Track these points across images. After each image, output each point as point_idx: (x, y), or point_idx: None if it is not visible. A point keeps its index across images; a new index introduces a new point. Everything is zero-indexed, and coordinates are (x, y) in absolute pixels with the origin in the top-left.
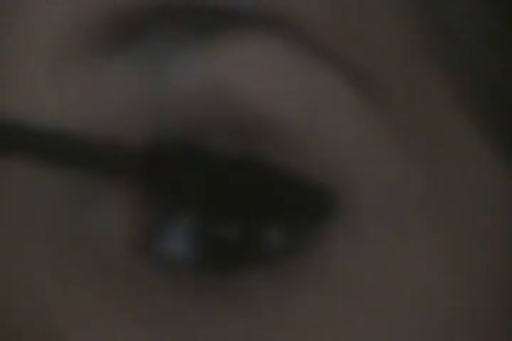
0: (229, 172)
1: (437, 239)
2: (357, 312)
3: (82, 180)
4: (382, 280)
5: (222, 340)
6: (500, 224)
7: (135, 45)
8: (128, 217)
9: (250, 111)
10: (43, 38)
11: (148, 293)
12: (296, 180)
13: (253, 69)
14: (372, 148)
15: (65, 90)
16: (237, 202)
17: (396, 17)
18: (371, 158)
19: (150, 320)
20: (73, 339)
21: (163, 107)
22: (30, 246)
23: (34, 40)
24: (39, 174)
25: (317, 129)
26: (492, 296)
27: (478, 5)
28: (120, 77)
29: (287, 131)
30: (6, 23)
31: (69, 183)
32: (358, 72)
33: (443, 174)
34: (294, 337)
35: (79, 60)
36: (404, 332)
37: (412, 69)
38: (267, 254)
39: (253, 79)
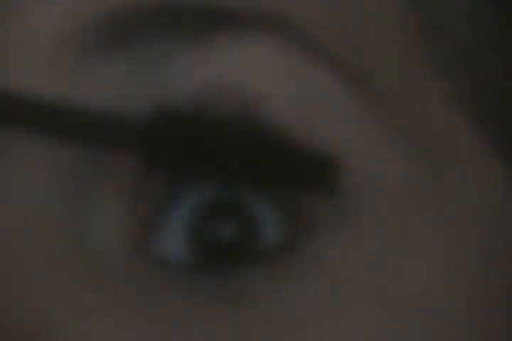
0: (228, 142)
1: (437, 239)
2: (357, 312)
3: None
4: (383, 280)
5: (221, 340)
6: (500, 224)
7: (134, 45)
8: (126, 218)
9: (249, 112)
10: (43, 37)
11: (148, 294)
12: (298, 154)
13: (253, 70)
14: (371, 148)
15: (64, 90)
16: (234, 173)
17: (395, 18)
18: (370, 158)
19: (150, 320)
20: (73, 340)
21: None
22: (29, 246)
23: (34, 39)
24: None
25: (316, 130)
26: (492, 296)
27: (477, 6)
28: (119, 77)
29: (287, 132)
30: (5, 23)
31: (68, 184)
32: (357, 73)
33: (443, 174)
34: (294, 336)
35: (78, 59)
36: (404, 332)
37: (411, 70)
38: (265, 254)
39: (253, 80)
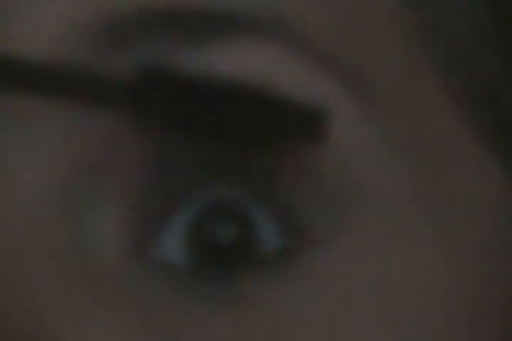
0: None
1: (437, 239)
2: (357, 313)
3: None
4: (382, 280)
5: None
6: (499, 224)
7: (134, 47)
8: (126, 219)
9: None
10: (43, 37)
11: (147, 295)
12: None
13: (253, 72)
14: (371, 148)
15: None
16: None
17: (395, 18)
18: (370, 159)
19: (149, 321)
20: (72, 340)
21: None
22: (29, 247)
23: (33, 40)
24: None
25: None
26: (492, 296)
27: (477, 6)
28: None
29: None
30: (5, 23)
31: (68, 185)
32: (356, 73)
33: (442, 174)
34: (293, 337)
35: (77, 60)
36: (404, 332)
37: (411, 70)
38: (264, 255)
39: (252, 83)
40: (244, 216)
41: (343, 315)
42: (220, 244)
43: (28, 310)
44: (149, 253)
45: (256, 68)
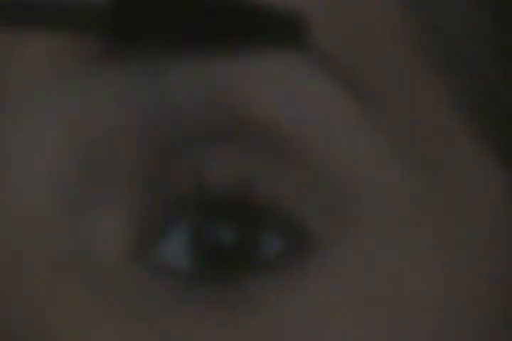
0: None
1: (438, 240)
2: (359, 313)
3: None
4: (384, 280)
5: None
6: (499, 225)
7: (133, 55)
8: (127, 221)
9: (249, 120)
10: (37, 52)
11: (147, 296)
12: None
13: (253, 77)
14: (371, 149)
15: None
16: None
17: (395, 19)
18: (370, 159)
19: (149, 323)
20: (72, 340)
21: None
22: (29, 247)
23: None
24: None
25: (317, 134)
26: (492, 296)
27: (477, 6)
28: (114, 89)
29: (287, 137)
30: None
31: (69, 185)
32: (356, 74)
33: (442, 175)
34: (296, 339)
35: (72, 72)
36: (406, 332)
37: (410, 72)
38: (266, 256)
39: (253, 87)
40: (247, 220)
41: (345, 316)
42: (221, 245)
43: (28, 310)
44: (150, 254)
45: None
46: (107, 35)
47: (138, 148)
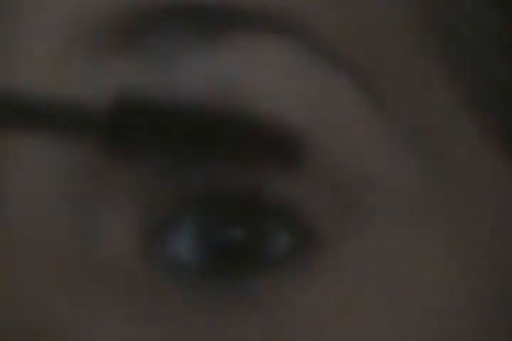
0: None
1: (448, 239)
2: (368, 312)
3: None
4: (393, 280)
5: None
6: (503, 225)
7: (144, 44)
8: (135, 219)
9: (257, 114)
10: (46, 37)
11: (158, 296)
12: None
13: (263, 71)
14: (382, 148)
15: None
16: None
17: (404, 17)
18: (381, 158)
19: (153, 321)
20: (74, 340)
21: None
22: (30, 246)
23: (37, 39)
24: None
25: (327, 133)
26: (498, 295)
27: (488, 6)
28: (124, 79)
29: (296, 131)
30: (10, 23)
31: (75, 184)
32: (367, 73)
33: (453, 175)
34: (305, 337)
35: (82, 59)
36: (416, 332)
37: (421, 71)
38: (275, 255)
39: (260, 79)
40: (255, 219)
41: (354, 315)
42: (231, 244)
43: (29, 310)
44: (161, 253)
45: (266, 68)
46: (104, 141)
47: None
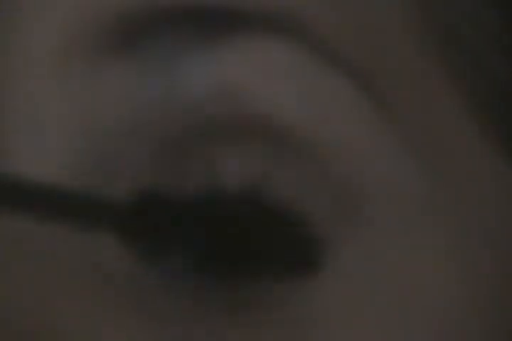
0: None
1: (449, 240)
2: (365, 313)
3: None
4: (395, 280)
5: None
6: (503, 224)
7: (144, 45)
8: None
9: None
10: (46, 37)
11: (152, 296)
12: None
13: (260, 70)
14: (383, 149)
15: (66, 95)
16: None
17: (405, 17)
18: (381, 160)
19: (161, 326)
20: (73, 340)
21: (166, 112)
22: (30, 246)
23: (37, 39)
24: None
25: (328, 133)
26: (500, 296)
27: (485, 8)
28: (125, 80)
29: (298, 133)
30: (10, 23)
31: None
32: (368, 74)
33: (454, 175)
34: (301, 337)
35: (82, 59)
36: (420, 331)
37: (422, 71)
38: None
39: (260, 80)
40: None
41: (354, 316)
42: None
43: (29, 310)
44: (151, 259)
45: (267, 68)
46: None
47: (149, 147)
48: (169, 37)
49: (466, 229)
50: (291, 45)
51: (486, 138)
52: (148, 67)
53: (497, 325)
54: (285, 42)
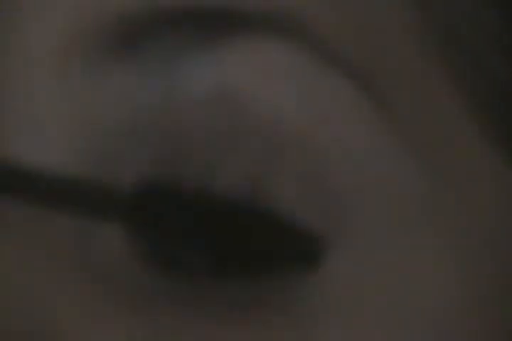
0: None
1: (448, 241)
2: (365, 313)
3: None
4: (394, 281)
5: None
6: (503, 224)
7: (144, 45)
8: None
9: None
10: (46, 37)
11: (153, 295)
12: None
13: (260, 70)
14: (382, 150)
15: (66, 95)
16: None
17: (405, 18)
18: (382, 159)
19: (154, 322)
20: (74, 340)
21: (166, 114)
22: (30, 246)
23: (37, 39)
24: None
25: (324, 134)
26: (499, 296)
27: (485, 8)
28: (125, 80)
29: (298, 133)
30: (10, 23)
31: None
32: (368, 74)
33: (453, 175)
34: (300, 338)
35: (82, 60)
36: (418, 332)
37: (422, 71)
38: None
39: (260, 80)
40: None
41: (353, 316)
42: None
43: (29, 310)
44: (152, 258)
45: (267, 69)
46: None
47: (149, 147)
48: (169, 37)
49: (466, 229)
50: (291, 45)
51: (486, 138)
52: (148, 67)
53: (497, 325)
54: (285, 43)
